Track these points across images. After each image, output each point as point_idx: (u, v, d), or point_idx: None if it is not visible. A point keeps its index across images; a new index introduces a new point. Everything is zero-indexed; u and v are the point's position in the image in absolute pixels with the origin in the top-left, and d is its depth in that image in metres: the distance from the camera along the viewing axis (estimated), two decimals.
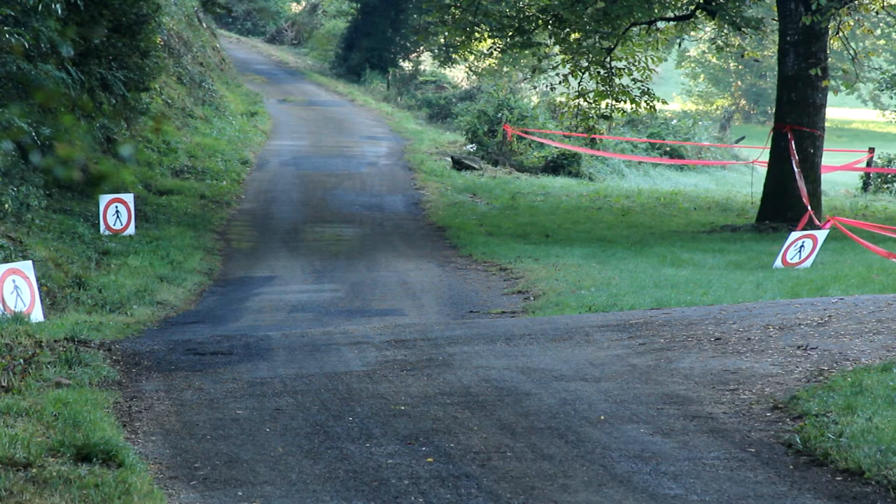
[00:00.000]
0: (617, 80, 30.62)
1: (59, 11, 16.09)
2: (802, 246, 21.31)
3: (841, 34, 28.30)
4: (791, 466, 9.30)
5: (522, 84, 56.87)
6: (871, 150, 39.15)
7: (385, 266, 23.07)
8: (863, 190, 38.41)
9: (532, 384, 11.77)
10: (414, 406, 11.10)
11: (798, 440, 9.71)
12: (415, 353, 13.33)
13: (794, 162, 26.86)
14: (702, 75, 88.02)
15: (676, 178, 44.17)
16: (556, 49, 32.53)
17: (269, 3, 74.66)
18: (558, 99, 38.30)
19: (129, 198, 24.44)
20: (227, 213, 29.70)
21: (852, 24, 29.60)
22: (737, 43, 35.16)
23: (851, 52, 29.35)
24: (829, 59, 28.49)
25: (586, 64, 30.49)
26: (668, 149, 46.21)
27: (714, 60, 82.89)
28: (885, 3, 28.45)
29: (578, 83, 30.85)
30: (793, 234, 21.83)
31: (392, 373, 12.43)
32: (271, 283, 21.46)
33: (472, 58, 54.52)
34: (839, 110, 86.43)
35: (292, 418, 10.83)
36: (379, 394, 11.57)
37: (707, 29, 46.58)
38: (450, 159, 39.10)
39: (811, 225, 24.48)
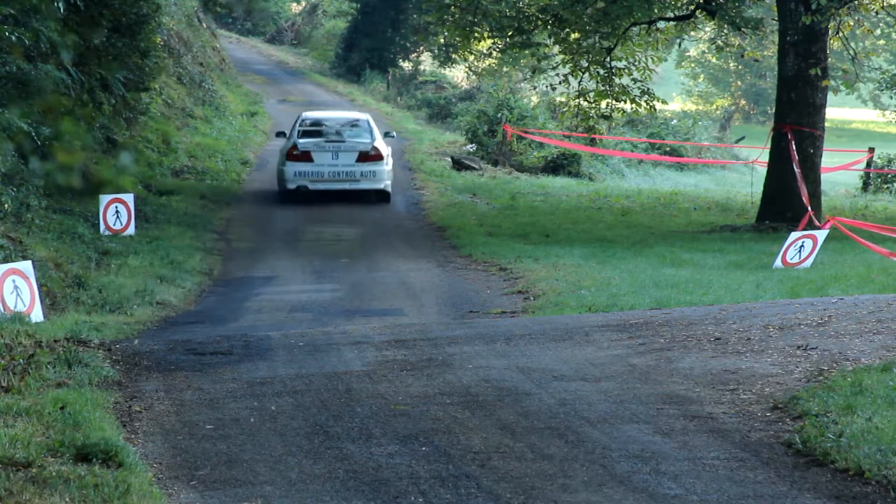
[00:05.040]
0: (617, 80, 30.61)
1: (61, 9, 16.06)
2: (802, 246, 21.31)
3: (841, 34, 28.28)
4: (791, 466, 9.30)
5: (522, 84, 56.84)
6: (871, 150, 39.13)
7: (385, 266, 23.07)
8: (863, 190, 38.38)
9: (532, 384, 11.76)
10: (414, 406, 11.10)
11: (798, 440, 9.71)
12: (415, 353, 13.33)
13: (794, 162, 26.84)
14: (702, 75, 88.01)
15: (676, 178, 44.15)
16: (556, 49, 32.52)
17: (268, 3, 74.64)
18: (558, 99, 38.28)
19: (129, 198, 24.42)
20: (227, 213, 29.71)
21: (852, 24, 29.58)
22: (737, 43, 35.14)
23: (851, 52, 29.33)
24: (829, 59, 28.47)
25: (586, 64, 30.48)
26: (668, 149, 46.21)
27: (714, 60, 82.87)
28: (885, 3, 28.44)
29: (578, 83, 30.84)
30: (793, 234, 21.82)
31: (392, 373, 12.43)
32: (271, 282, 21.46)
33: (471, 58, 54.46)
34: (839, 110, 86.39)
35: (292, 418, 10.82)
36: (379, 394, 11.57)
37: (707, 29, 46.54)
38: (450, 159, 39.09)
39: (811, 225, 24.47)
